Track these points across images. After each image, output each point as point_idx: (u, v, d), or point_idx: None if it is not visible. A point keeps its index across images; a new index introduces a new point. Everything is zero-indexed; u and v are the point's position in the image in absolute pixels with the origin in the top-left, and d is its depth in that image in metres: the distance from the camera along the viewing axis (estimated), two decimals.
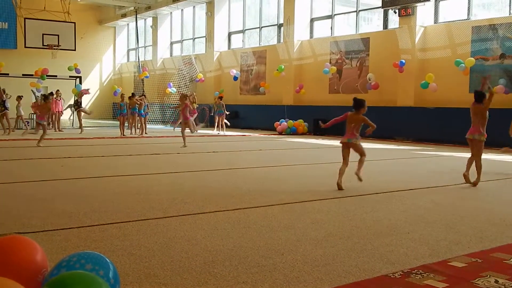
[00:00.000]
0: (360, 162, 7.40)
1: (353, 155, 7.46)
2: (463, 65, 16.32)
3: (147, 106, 20.62)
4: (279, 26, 24.46)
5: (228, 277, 3.55)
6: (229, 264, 3.81)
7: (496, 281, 3.51)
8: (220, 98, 21.43)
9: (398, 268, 3.77)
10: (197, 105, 24.60)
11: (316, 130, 20.82)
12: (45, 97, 15.71)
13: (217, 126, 21.29)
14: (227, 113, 21.45)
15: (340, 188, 7.21)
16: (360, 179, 7.25)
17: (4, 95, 19.09)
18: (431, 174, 9.32)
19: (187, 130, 14.65)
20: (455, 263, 3.92)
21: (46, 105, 14.51)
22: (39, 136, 13.81)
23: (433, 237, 4.69)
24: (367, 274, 3.63)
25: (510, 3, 16.25)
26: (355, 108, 7.50)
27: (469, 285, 3.44)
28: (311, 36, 23.00)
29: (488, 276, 3.62)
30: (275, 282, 3.45)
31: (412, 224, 5.21)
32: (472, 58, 16.34)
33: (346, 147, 7.56)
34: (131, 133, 19.50)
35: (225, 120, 21.26)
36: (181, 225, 5.04)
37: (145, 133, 19.89)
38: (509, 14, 16.21)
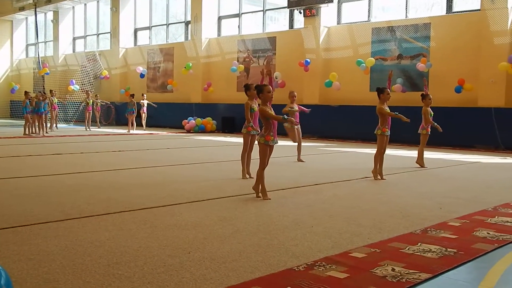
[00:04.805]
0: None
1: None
2: (364, 64, 17.08)
3: (48, 104, 19.65)
4: (187, 23, 24.29)
5: (133, 278, 3.47)
6: (134, 265, 3.73)
7: (393, 269, 3.70)
8: (132, 96, 21.09)
9: (303, 261, 3.87)
10: (104, 103, 23.98)
11: (224, 128, 20.93)
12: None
13: (128, 125, 20.92)
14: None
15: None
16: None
17: None
18: (334, 169, 9.66)
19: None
20: (356, 254, 4.09)
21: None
22: None
23: (335, 230, 4.86)
24: (273, 269, 3.69)
25: (406, 6, 17.20)
26: None
27: (368, 274, 3.60)
28: (219, 34, 23.05)
29: (386, 264, 3.81)
30: (181, 281, 3.42)
31: (316, 218, 5.36)
32: (372, 58, 17.15)
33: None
34: (33, 132, 18.53)
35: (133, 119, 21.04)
36: (84, 227, 4.86)
37: (46, 132, 19.00)
38: (406, 17, 17.16)
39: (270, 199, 6.38)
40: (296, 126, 10.55)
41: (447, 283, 3.58)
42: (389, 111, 8.39)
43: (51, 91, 21.72)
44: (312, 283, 3.38)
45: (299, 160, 10.76)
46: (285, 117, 6.05)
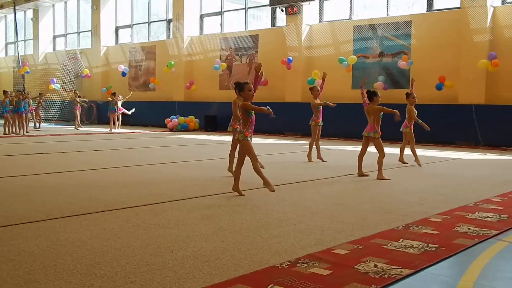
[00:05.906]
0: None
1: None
2: (346, 62, 17.16)
3: (28, 103, 19.38)
4: (168, 21, 24.16)
5: (116, 277, 3.44)
6: (116, 265, 3.70)
7: (375, 265, 3.72)
8: (113, 94, 20.94)
9: (286, 259, 3.87)
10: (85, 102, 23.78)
11: (207, 126, 20.87)
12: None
13: (110, 124, 20.77)
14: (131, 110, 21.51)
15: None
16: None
17: None
18: (317, 167, 9.70)
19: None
20: (339, 250, 4.11)
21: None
22: None
23: (318, 227, 4.88)
24: (256, 266, 3.69)
25: (387, 4, 17.31)
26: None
27: (351, 271, 3.62)
28: (201, 32, 22.97)
29: (368, 261, 3.83)
30: (164, 280, 3.40)
31: (299, 216, 5.38)
32: (354, 56, 17.23)
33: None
34: (13, 131, 18.28)
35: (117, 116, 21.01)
36: (65, 226, 4.81)
37: (27, 132, 18.75)
38: (387, 15, 17.27)
39: (274, 191, 6.34)
40: (319, 124, 10.73)
41: (429, 278, 3.61)
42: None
43: (40, 93, 21.77)
44: (295, 280, 3.39)
45: (320, 158, 10.57)
46: (268, 108, 6.09)
